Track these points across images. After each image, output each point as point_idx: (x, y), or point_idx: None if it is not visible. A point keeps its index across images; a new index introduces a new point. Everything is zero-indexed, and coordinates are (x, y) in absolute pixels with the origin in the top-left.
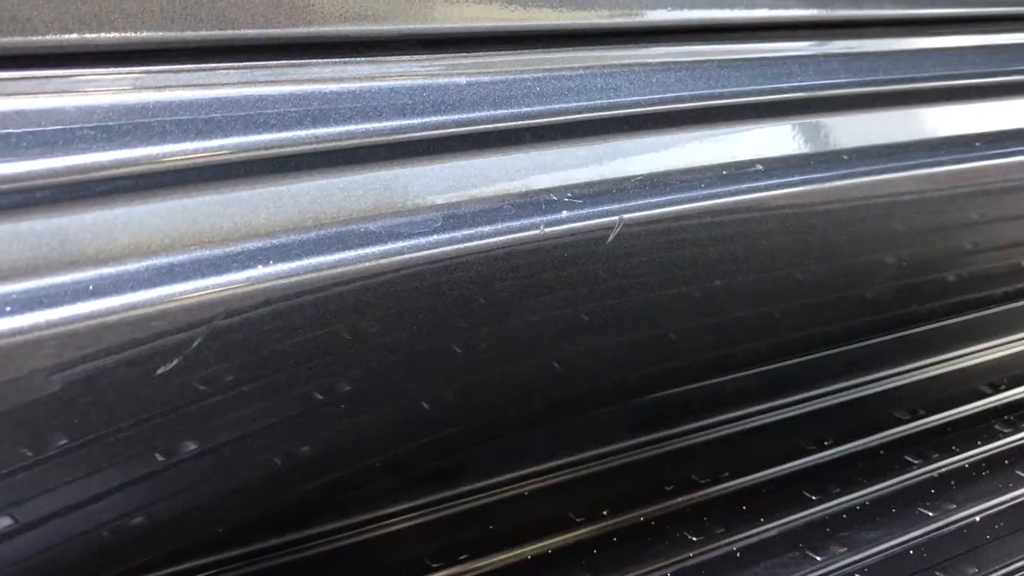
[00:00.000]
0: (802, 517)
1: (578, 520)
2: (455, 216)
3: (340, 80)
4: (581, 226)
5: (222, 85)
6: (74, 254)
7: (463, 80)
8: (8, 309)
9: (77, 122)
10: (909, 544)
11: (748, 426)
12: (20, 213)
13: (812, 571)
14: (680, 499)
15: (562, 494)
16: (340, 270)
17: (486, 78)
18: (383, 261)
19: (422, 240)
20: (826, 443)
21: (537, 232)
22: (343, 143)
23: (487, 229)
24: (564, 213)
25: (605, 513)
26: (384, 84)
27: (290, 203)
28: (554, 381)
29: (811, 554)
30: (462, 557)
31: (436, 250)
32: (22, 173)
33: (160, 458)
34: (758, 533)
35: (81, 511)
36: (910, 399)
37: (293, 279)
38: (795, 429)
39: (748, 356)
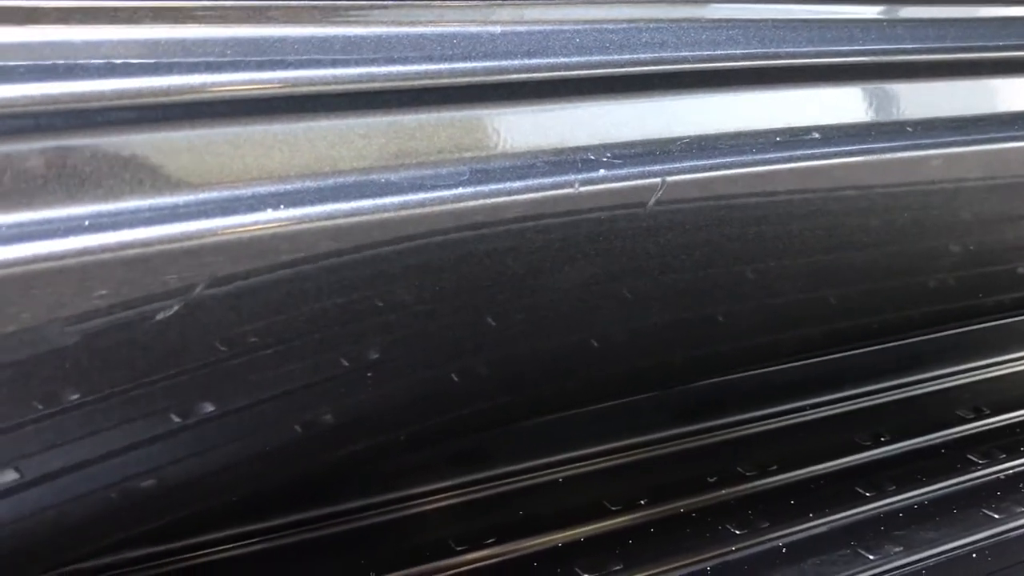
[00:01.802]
0: (855, 514)
1: (613, 509)
2: (483, 170)
3: (366, 23)
4: (620, 187)
5: (239, 23)
6: (72, 187)
7: (497, 29)
8: None
9: (83, 53)
10: (972, 547)
11: (798, 420)
12: (18, 139)
13: (864, 570)
14: (723, 491)
15: (597, 482)
16: (357, 219)
17: (522, 28)
18: (404, 213)
19: (447, 193)
20: (882, 439)
21: (571, 191)
22: (365, 85)
23: (517, 185)
24: (602, 172)
25: (642, 503)
26: (412, 30)
27: (306, 146)
28: (590, 360)
29: (863, 552)
30: (489, 541)
31: (462, 204)
32: (19, 97)
33: (162, 418)
34: (806, 528)
35: (83, 470)
36: (974, 397)
37: (306, 226)
38: (848, 424)
39: (799, 344)
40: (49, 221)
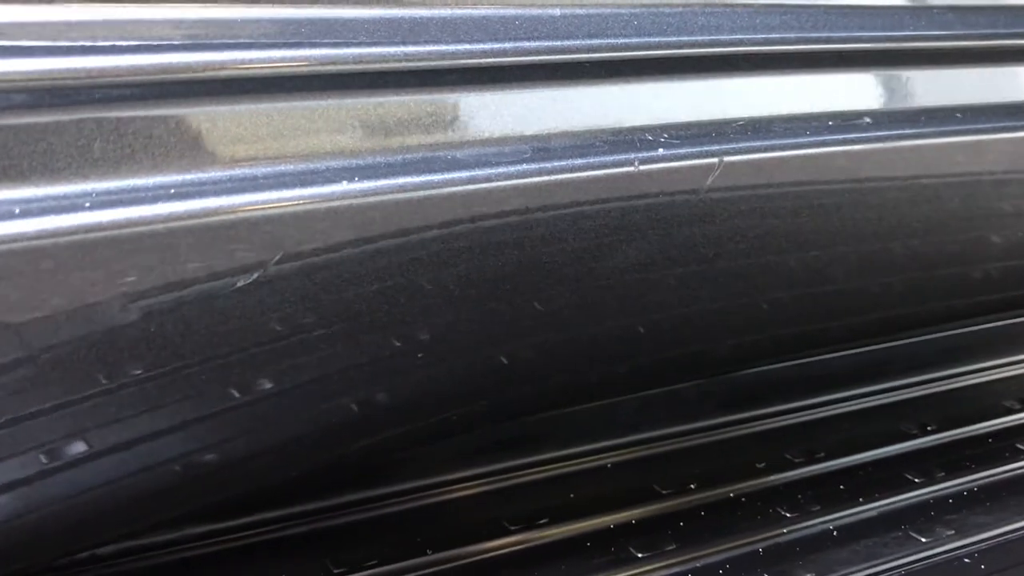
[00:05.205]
0: (904, 499)
1: (664, 492)
2: (545, 149)
3: (428, 5)
4: (679, 166)
5: (310, 4)
6: (157, 156)
7: (557, 12)
8: (87, 205)
9: (166, 30)
10: None
11: (843, 410)
12: (106, 109)
13: (916, 552)
14: (772, 477)
15: (646, 467)
16: (425, 193)
17: (581, 11)
18: (469, 187)
19: (511, 169)
20: (929, 428)
21: (631, 169)
22: (433, 63)
23: (578, 162)
24: (660, 151)
25: (692, 487)
26: (475, 11)
27: (377, 122)
28: (638, 345)
29: (915, 535)
30: (541, 522)
31: (524, 180)
32: (109, 68)
33: (229, 391)
34: (856, 512)
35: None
36: (1021, 389)
37: (378, 198)
38: (894, 414)
39: (844, 333)
40: (136, 189)
